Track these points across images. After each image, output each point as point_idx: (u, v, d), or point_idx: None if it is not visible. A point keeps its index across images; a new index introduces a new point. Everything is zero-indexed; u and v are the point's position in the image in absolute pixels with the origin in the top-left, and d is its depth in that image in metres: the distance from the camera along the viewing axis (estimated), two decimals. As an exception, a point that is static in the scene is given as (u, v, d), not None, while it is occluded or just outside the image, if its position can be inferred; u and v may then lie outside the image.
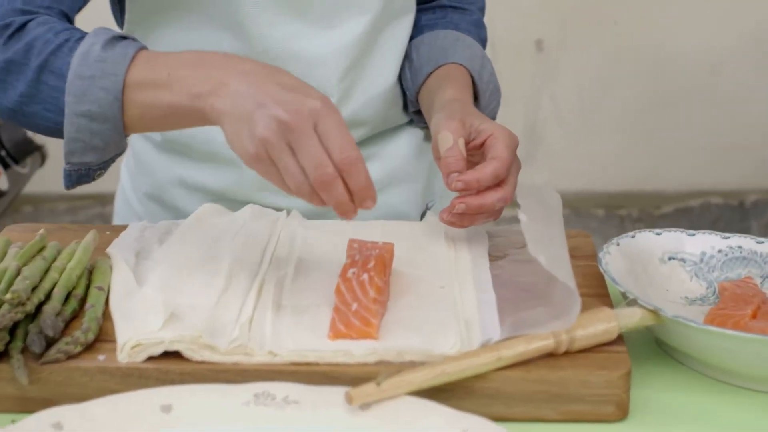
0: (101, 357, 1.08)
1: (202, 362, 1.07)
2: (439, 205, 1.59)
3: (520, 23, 3.18)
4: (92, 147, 1.19)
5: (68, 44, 1.20)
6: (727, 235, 1.29)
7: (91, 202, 3.47)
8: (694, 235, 1.29)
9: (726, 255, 1.28)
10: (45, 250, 1.26)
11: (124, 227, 1.40)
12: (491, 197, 1.27)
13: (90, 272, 1.24)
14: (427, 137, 1.61)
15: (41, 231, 1.30)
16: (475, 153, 1.31)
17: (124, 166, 1.64)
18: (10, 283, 1.14)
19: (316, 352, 1.07)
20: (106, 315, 1.16)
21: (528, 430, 1.05)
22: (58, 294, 1.15)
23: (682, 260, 1.28)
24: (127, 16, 1.44)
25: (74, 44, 1.19)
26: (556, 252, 1.16)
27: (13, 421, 1.01)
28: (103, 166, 1.23)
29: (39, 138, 2.95)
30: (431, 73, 1.47)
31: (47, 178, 3.11)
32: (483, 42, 1.57)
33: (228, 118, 1.11)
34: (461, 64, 1.47)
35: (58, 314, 1.12)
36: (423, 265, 1.27)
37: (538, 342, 1.06)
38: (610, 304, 1.18)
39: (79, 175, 1.22)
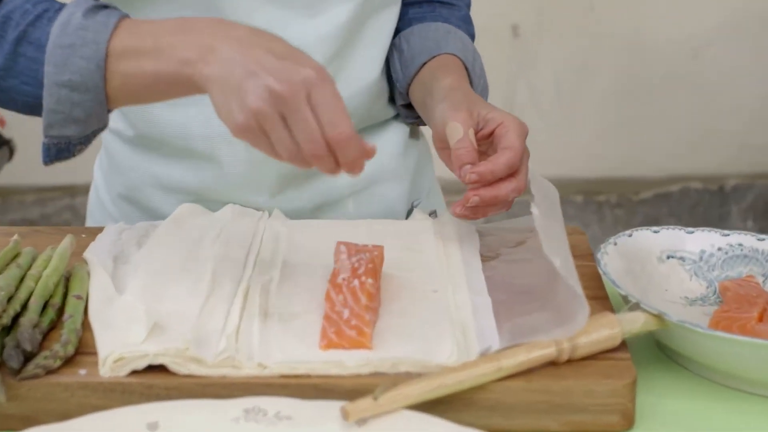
0: (82, 371, 1.03)
1: (189, 376, 1.02)
2: (425, 203, 1.54)
3: (495, 8, 3.13)
4: (73, 119, 1.14)
5: (47, 14, 1.14)
6: (727, 232, 1.26)
7: (59, 193, 3.41)
8: (693, 232, 1.26)
9: (726, 253, 1.24)
10: (19, 257, 1.20)
11: (99, 230, 1.35)
12: (505, 188, 1.23)
13: (67, 279, 1.19)
14: (414, 133, 1.56)
15: (15, 237, 1.25)
16: (484, 143, 1.27)
17: (97, 166, 1.59)
18: (-16, 294, 1.09)
19: (307, 363, 1.02)
20: (86, 325, 1.11)
21: (530, 443, 1.01)
22: (34, 304, 1.10)
23: (681, 259, 1.24)
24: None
25: (54, 14, 1.14)
26: (564, 252, 1.12)
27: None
28: (84, 140, 1.18)
29: (7, 131, 2.89)
30: (424, 63, 1.43)
31: (15, 170, 3.05)
32: (471, 38, 1.53)
33: (216, 85, 1.06)
34: (455, 55, 1.43)
35: (35, 326, 1.07)
36: (413, 267, 1.23)
37: (540, 350, 1.02)
38: (611, 308, 1.15)
39: (58, 149, 1.17)
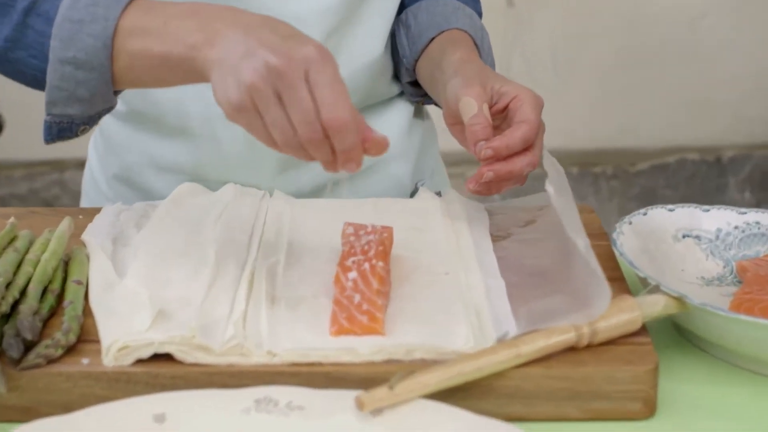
0: (85, 361, 0.99)
1: (195, 364, 0.98)
2: (429, 183, 1.50)
3: (489, -23, 3.09)
4: (76, 98, 1.10)
5: None
6: (744, 210, 1.22)
7: (48, 168, 3.37)
8: (708, 210, 1.22)
9: (743, 231, 1.21)
10: (16, 240, 1.17)
11: (97, 210, 1.31)
12: (520, 163, 1.20)
13: (66, 263, 1.15)
14: (418, 113, 1.52)
15: (11, 219, 1.21)
16: (498, 117, 1.23)
17: (91, 146, 1.55)
18: (-19, 281, 1.05)
19: (319, 350, 0.99)
20: (87, 311, 1.07)
21: (550, 430, 0.97)
22: (33, 290, 1.07)
23: (697, 238, 1.21)
24: None
25: None
26: (582, 232, 1.09)
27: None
28: (88, 121, 1.14)
29: (-5, 106, 2.85)
30: (433, 39, 1.39)
31: (3, 144, 3.01)
32: (479, 15, 1.49)
33: (217, 67, 1.02)
34: (465, 31, 1.39)
35: (35, 313, 1.04)
36: (422, 248, 1.20)
37: (559, 336, 0.98)
38: (627, 289, 1.11)
39: (60, 128, 1.13)
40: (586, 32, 3.22)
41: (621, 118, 3.28)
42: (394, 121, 1.47)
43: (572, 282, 1.06)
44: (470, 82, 1.23)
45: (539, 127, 1.21)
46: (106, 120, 1.46)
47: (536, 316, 1.02)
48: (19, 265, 1.10)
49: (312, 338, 1.01)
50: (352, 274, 1.07)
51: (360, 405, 0.92)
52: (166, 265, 1.14)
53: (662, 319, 1.07)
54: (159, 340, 0.98)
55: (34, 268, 1.10)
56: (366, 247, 1.11)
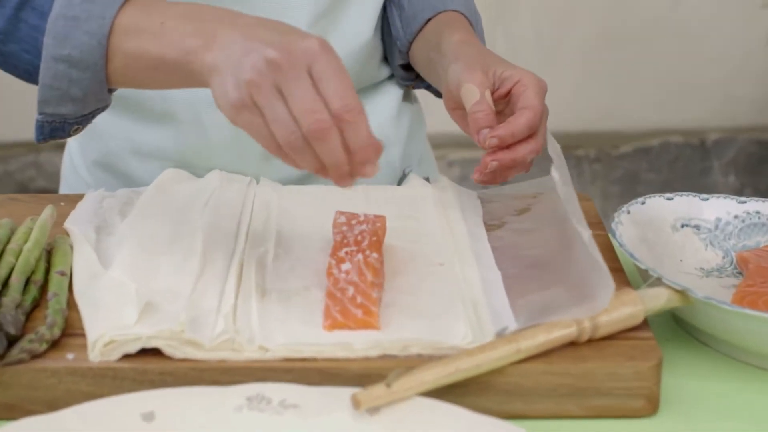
0: (70, 356, 0.96)
1: (184, 360, 0.95)
2: (417, 170, 1.47)
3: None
4: (70, 97, 1.06)
5: None
6: (744, 199, 1.20)
7: (23, 150, 3.31)
8: (707, 199, 1.20)
9: (743, 221, 1.19)
10: (-3, 229, 1.13)
11: (79, 197, 1.27)
12: (523, 150, 1.17)
13: (49, 253, 1.12)
14: (407, 97, 1.49)
15: (-9, 208, 1.17)
16: (501, 102, 1.20)
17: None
18: (-38, 272, 1.02)
19: (313, 346, 0.96)
20: (71, 303, 1.04)
21: (550, 428, 0.95)
22: (16, 282, 1.03)
23: (696, 227, 1.19)
24: None
25: None
26: (584, 222, 1.06)
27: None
28: (81, 121, 1.10)
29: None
30: (428, 20, 1.35)
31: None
32: None
33: (216, 71, 0.98)
34: (461, 12, 1.35)
35: (18, 306, 1.00)
36: (416, 237, 1.17)
37: (560, 330, 0.96)
38: (627, 281, 1.08)
39: (52, 128, 1.09)
40: (570, 12, 3.19)
41: (604, 100, 3.25)
42: (382, 107, 1.44)
43: (572, 274, 1.04)
44: (472, 68, 1.20)
45: (543, 112, 1.18)
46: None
47: (536, 310, 0.99)
48: (0, 255, 1.07)
49: (305, 332, 0.98)
50: (346, 266, 1.04)
51: (356, 403, 0.89)
52: (152, 255, 1.10)
53: (663, 312, 1.04)
54: (147, 334, 0.95)
55: (16, 259, 1.07)
56: (359, 238, 1.08)
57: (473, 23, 1.35)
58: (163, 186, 1.27)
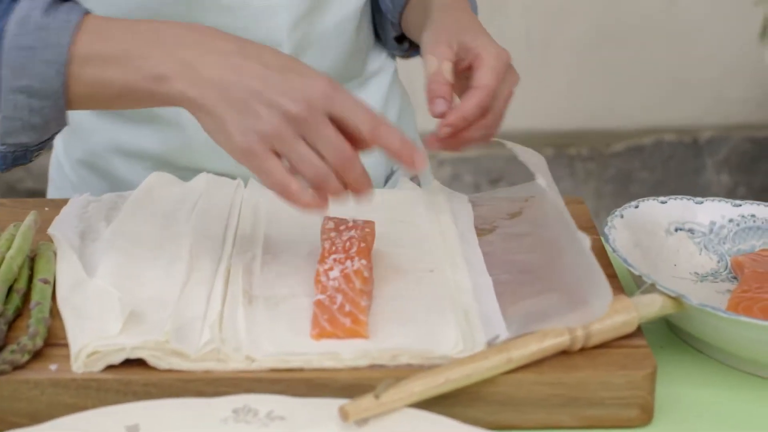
0: (53, 367, 0.94)
1: (169, 371, 0.93)
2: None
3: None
4: (31, 125, 1.04)
5: (1, 6, 1.04)
6: (739, 202, 1.18)
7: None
8: (702, 202, 1.18)
9: (738, 225, 1.17)
10: (-21, 236, 1.11)
11: (64, 202, 1.25)
12: (476, 132, 1.16)
13: (32, 260, 1.10)
14: (394, 81, 1.47)
15: (-26, 214, 1.15)
16: (464, 74, 1.18)
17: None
18: (-57, 282, 1.00)
19: (300, 356, 0.94)
20: (54, 312, 1.02)
21: (542, 439, 0.93)
22: (-2, 291, 1.01)
23: (690, 231, 1.17)
24: None
25: (8, 6, 1.03)
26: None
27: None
28: (41, 146, 1.09)
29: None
30: None
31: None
32: None
33: (204, 110, 0.98)
34: None
35: (0, 316, 0.98)
36: (405, 242, 1.15)
37: (552, 339, 0.94)
38: (620, 287, 1.07)
39: (15, 156, 1.08)
40: (561, 10, 3.17)
41: (596, 98, 3.24)
42: (368, 99, 1.42)
43: (565, 280, 1.02)
44: (437, 38, 1.19)
45: (498, 89, 1.16)
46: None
47: (529, 318, 0.97)
48: (-18, 264, 1.05)
49: (292, 342, 0.96)
50: (334, 273, 1.02)
51: (344, 415, 0.87)
52: (137, 262, 1.08)
53: (657, 319, 1.03)
54: (131, 345, 0.93)
55: (-1, 267, 1.05)
56: (347, 245, 1.06)
57: None
58: (149, 190, 1.25)
